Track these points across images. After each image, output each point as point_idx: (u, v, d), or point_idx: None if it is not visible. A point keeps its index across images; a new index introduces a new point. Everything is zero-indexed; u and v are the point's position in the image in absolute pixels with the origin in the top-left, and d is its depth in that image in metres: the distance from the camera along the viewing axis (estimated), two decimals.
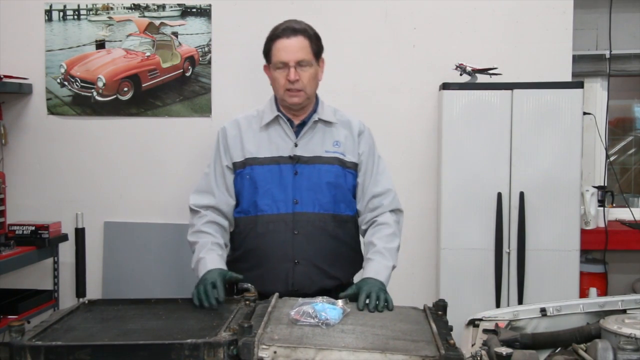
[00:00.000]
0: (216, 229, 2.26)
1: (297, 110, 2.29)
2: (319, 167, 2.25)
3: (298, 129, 2.29)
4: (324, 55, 2.34)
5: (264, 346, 1.50)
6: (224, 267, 2.12)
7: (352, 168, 2.30)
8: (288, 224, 2.22)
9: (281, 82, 2.22)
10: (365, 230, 2.32)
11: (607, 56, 3.94)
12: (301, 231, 2.22)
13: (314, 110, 2.32)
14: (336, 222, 2.27)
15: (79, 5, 3.77)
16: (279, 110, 2.30)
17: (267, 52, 2.26)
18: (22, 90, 3.73)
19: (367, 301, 1.89)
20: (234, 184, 2.30)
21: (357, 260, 2.36)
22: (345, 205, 2.30)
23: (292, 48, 2.20)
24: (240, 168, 2.28)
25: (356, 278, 2.34)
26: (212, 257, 2.13)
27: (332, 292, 2.16)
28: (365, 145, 2.33)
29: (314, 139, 2.29)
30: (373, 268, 2.13)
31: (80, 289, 3.60)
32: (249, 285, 2.05)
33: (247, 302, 1.85)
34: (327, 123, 2.31)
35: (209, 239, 2.21)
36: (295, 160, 2.25)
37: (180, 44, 3.73)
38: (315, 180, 2.24)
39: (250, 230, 2.26)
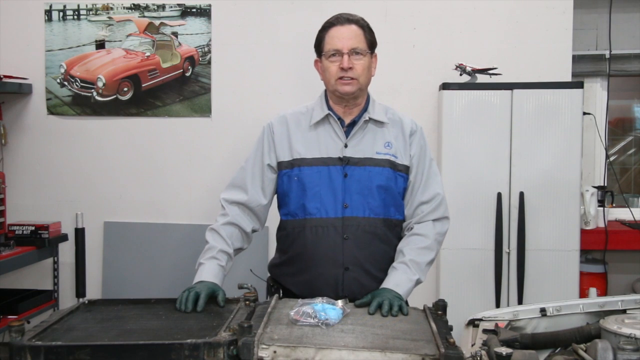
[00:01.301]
0: (232, 232, 2.17)
1: (348, 102, 2.18)
2: (370, 169, 2.15)
3: (348, 129, 2.19)
4: None
5: (264, 346, 1.50)
6: (219, 280, 2.03)
7: (404, 171, 2.19)
8: (337, 229, 2.13)
9: (333, 71, 2.12)
10: (405, 237, 2.23)
11: (607, 56, 3.94)
12: (351, 236, 2.13)
13: (365, 109, 2.21)
14: (386, 227, 2.19)
15: (78, 5, 3.77)
16: (329, 108, 2.20)
17: (319, 42, 2.17)
18: (22, 90, 3.74)
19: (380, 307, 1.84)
20: (279, 185, 2.22)
21: None
22: (395, 210, 2.21)
23: (346, 35, 2.12)
24: (287, 168, 2.18)
25: None
26: (210, 266, 2.07)
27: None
28: (416, 146, 2.22)
29: (364, 140, 2.18)
30: (394, 279, 2.05)
31: (80, 289, 3.60)
32: (249, 285, 2.04)
33: (247, 302, 1.85)
34: (378, 123, 2.20)
35: (219, 244, 2.13)
36: (344, 161, 2.15)
37: (180, 44, 3.73)
38: (366, 183, 2.14)
39: (299, 234, 2.17)
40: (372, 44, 2.19)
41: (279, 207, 2.27)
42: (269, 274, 2.34)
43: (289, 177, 2.18)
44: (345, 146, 2.17)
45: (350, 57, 2.11)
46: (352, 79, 2.12)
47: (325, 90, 2.25)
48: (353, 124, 2.20)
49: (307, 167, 2.16)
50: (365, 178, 2.15)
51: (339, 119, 2.20)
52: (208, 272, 2.05)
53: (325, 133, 2.19)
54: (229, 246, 2.16)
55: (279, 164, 2.21)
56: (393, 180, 2.18)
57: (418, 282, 2.10)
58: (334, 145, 2.17)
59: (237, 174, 2.27)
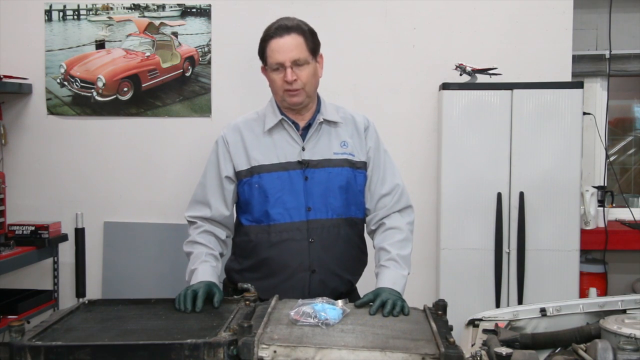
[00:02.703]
0: (210, 239, 2.20)
1: (300, 110, 2.20)
2: (329, 170, 2.17)
3: (303, 132, 2.21)
4: (324, 53, 2.27)
5: (264, 346, 1.50)
6: (215, 279, 2.05)
7: (362, 167, 2.23)
8: (302, 232, 2.15)
9: (279, 83, 2.13)
10: (374, 231, 2.26)
11: (607, 56, 3.94)
12: (316, 239, 2.15)
13: (317, 111, 2.23)
14: (348, 226, 2.22)
15: (78, 6, 3.77)
16: (282, 113, 2.20)
17: (262, 53, 2.18)
18: (22, 90, 3.74)
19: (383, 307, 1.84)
20: (240, 193, 2.22)
21: (363, 260, 2.33)
22: (356, 208, 2.24)
23: (287, 47, 2.10)
24: (247, 177, 2.19)
25: (363, 279, 2.33)
26: (204, 268, 2.07)
27: (343, 295, 2.13)
28: (371, 140, 2.26)
29: (320, 141, 2.20)
30: (390, 277, 2.06)
31: (80, 289, 3.60)
32: (249, 285, 2.04)
33: (247, 302, 1.85)
34: (331, 123, 2.23)
35: (203, 249, 2.15)
36: (304, 165, 2.16)
37: (180, 44, 3.73)
38: (326, 184, 2.17)
39: (263, 240, 2.18)
40: (314, 49, 2.18)
41: (240, 212, 2.27)
42: (225, 276, 2.33)
43: (250, 185, 2.18)
44: (303, 149, 2.18)
45: (293, 69, 2.11)
46: (298, 89, 2.13)
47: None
48: (307, 126, 2.21)
49: (267, 174, 2.16)
50: (326, 179, 2.17)
51: (294, 123, 2.21)
52: (203, 273, 2.05)
53: (281, 138, 2.20)
54: (213, 249, 2.18)
55: (238, 173, 2.21)
56: (353, 179, 2.21)
57: (407, 274, 2.13)
58: (291, 149, 2.18)
59: (197, 191, 2.28)
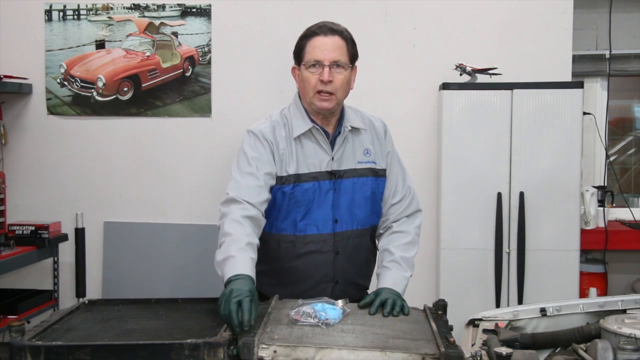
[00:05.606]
0: (254, 227, 1.95)
1: (327, 115, 2.11)
2: (355, 180, 2.13)
3: (331, 141, 2.13)
4: None
5: (264, 345, 1.50)
6: (253, 274, 1.81)
7: (383, 175, 2.20)
8: (329, 244, 2.11)
9: (312, 82, 2.04)
10: (381, 234, 2.24)
11: (607, 56, 3.94)
12: (341, 251, 2.13)
13: (342, 117, 2.15)
14: (368, 235, 2.21)
15: (79, 5, 3.77)
16: (311, 120, 2.12)
17: (300, 50, 2.09)
18: (22, 90, 3.74)
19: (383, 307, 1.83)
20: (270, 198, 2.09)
21: (374, 262, 2.31)
22: (376, 216, 2.22)
23: (329, 46, 2.03)
24: (282, 184, 2.08)
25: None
26: (243, 258, 1.81)
27: (357, 300, 2.12)
28: (389, 145, 2.24)
29: (346, 150, 2.14)
30: (391, 278, 2.05)
31: (80, 289, 3.60)
32: None
33: None
34: (354, 130, 2.16)
35: (244, 236, 1.88)
36: (334, 175, 2.11)
37: (180, 44, 3.73)
38: (353, 195, 2.13)
39: (289, 249, 2.12)
40: (353, 57, 2.11)
41: None
42: None
43: (283, 193, 2.09)
44: (332, 159, 2.13)
45: (331, 70, 2.03)
46: (330, 94, 2.05)
47: (301, 99, 2.16)
48: (334, 134, 2.15)
49: (301, 184, 2.09)
50: (351, 190, 2.13)
51: (324, 131, 2.13)
52: (242, 264, 1.79)
53: (310, 146, 2.12)
54: (254, 239, 1.94)
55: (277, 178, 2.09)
56: (377, 188, 2.19)
57: (410, 276, 2.12)
58: (321, 158, 2.11)
59: (241, 179, 2.04)
